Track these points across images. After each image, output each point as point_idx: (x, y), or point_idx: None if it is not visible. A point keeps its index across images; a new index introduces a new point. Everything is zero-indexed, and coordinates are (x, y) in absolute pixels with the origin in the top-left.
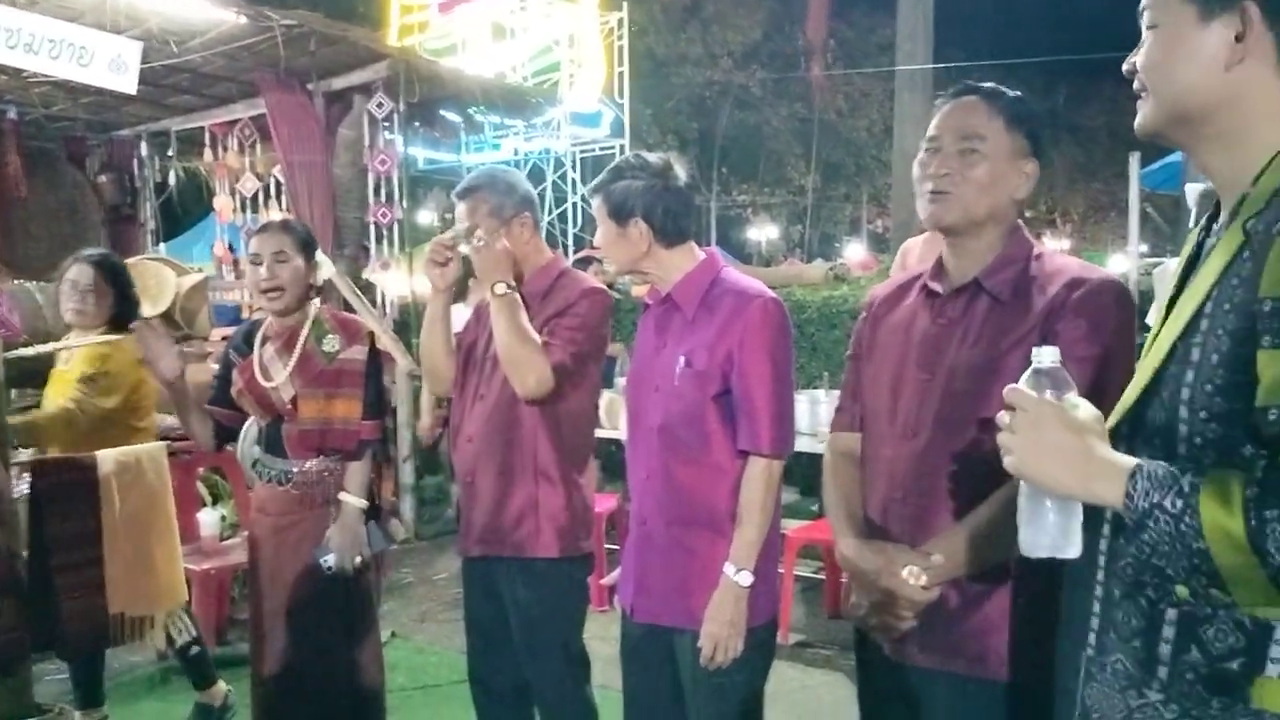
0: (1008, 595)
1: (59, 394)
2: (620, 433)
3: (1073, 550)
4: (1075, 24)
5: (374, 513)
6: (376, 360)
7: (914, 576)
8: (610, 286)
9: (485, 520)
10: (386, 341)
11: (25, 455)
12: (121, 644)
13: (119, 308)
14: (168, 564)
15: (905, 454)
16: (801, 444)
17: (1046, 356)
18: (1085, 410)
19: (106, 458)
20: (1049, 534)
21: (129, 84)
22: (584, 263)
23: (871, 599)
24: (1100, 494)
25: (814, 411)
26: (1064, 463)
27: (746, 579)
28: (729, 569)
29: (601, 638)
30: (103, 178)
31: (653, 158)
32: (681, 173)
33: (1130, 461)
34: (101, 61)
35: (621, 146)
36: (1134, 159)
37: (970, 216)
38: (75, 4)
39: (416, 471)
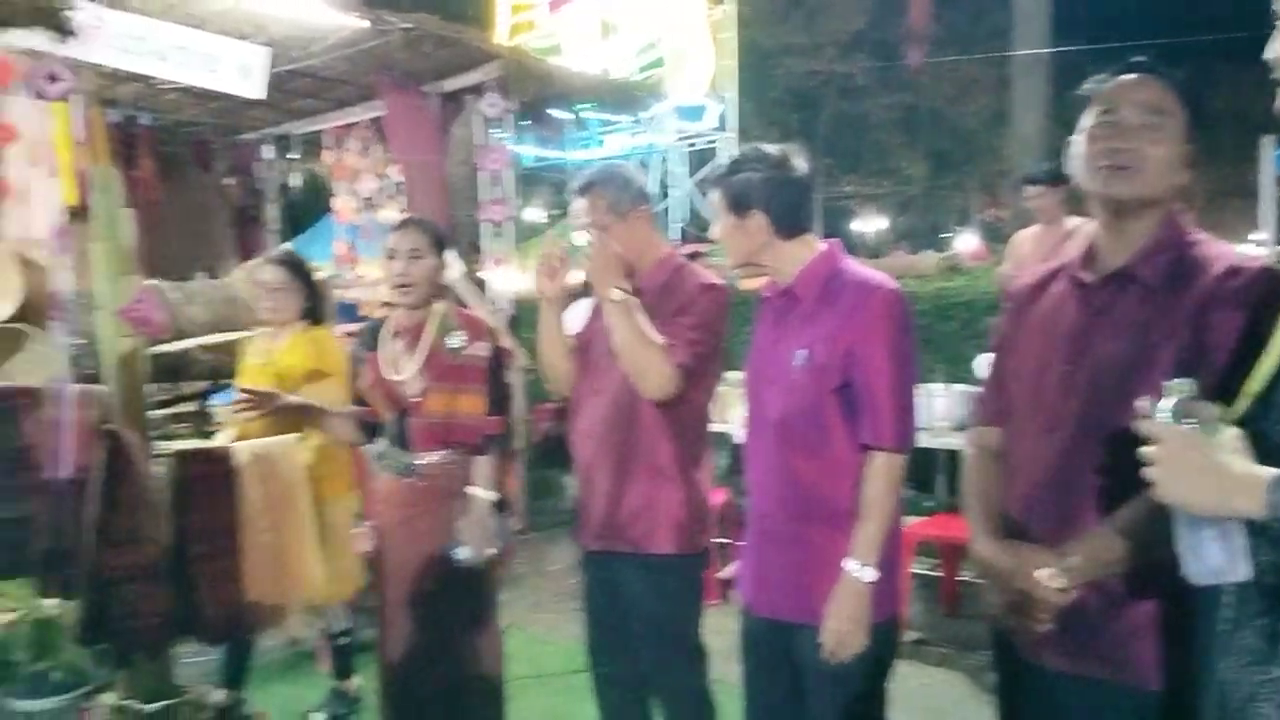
0: (1154, 600)
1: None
2: (730, 426)
3: (1241, 573)
4: (1196, 4)
5: (500, 506)
6: (499, 356)
7: (1050, 578)
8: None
9: (603, 515)
10: (502, 337)
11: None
12: (257, 631)
13: (310, 302)
14: (301, 554)
15: (1048, 449)
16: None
17: (1178, 389)
18: (1224, 433)
19: (241, 450)
20: (1213, 560)
21: (255, 89)
22: (693, 257)
23: (1006, 600)
24: (1242, 507)
25: (929, 406)
26: (1204, 484)
27: (869, 574)
28: (851, 564)
29: (715, 631)
30: (229, 181)
31: (772, 149)
32: (801, 164)
33: (1270, 473)
34: (229, 67)
35: (727, 139)
36: (1266, 143)
37: (1149, 193)
38: (202, 12)
39: (529, 464)
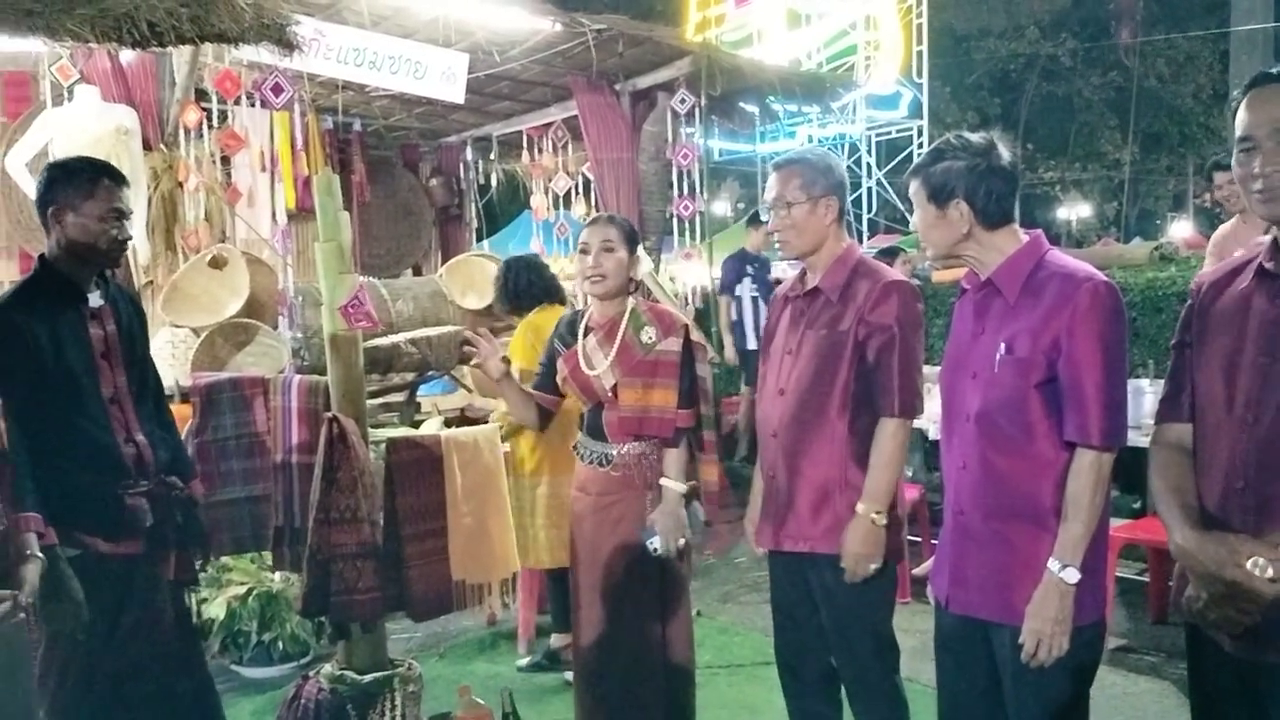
0: None
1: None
2: (923, 421)
3: None
4: None
5: (691, 497)
6: (691, 351)
7: (1260, 568)
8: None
9: (790, 514)
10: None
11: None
12: (462, 609)
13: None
14: (502, 536)
15: (1246, 442)
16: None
17: None
18: None
19: (447, 437)
20: None
21: (457, 93)
22: (888, 254)
23: (1212, 592)
24: None
25: (1138, 402)
26: None
27: (1073, 576)
28: (1054, 565)
29: (905, 629)
30: (433, 181)
31: (975, 137)
32: (1005, 152)
33: None
34: (434, 74)
35: (919, 127)
36: None
37: None
38: (411, 22)
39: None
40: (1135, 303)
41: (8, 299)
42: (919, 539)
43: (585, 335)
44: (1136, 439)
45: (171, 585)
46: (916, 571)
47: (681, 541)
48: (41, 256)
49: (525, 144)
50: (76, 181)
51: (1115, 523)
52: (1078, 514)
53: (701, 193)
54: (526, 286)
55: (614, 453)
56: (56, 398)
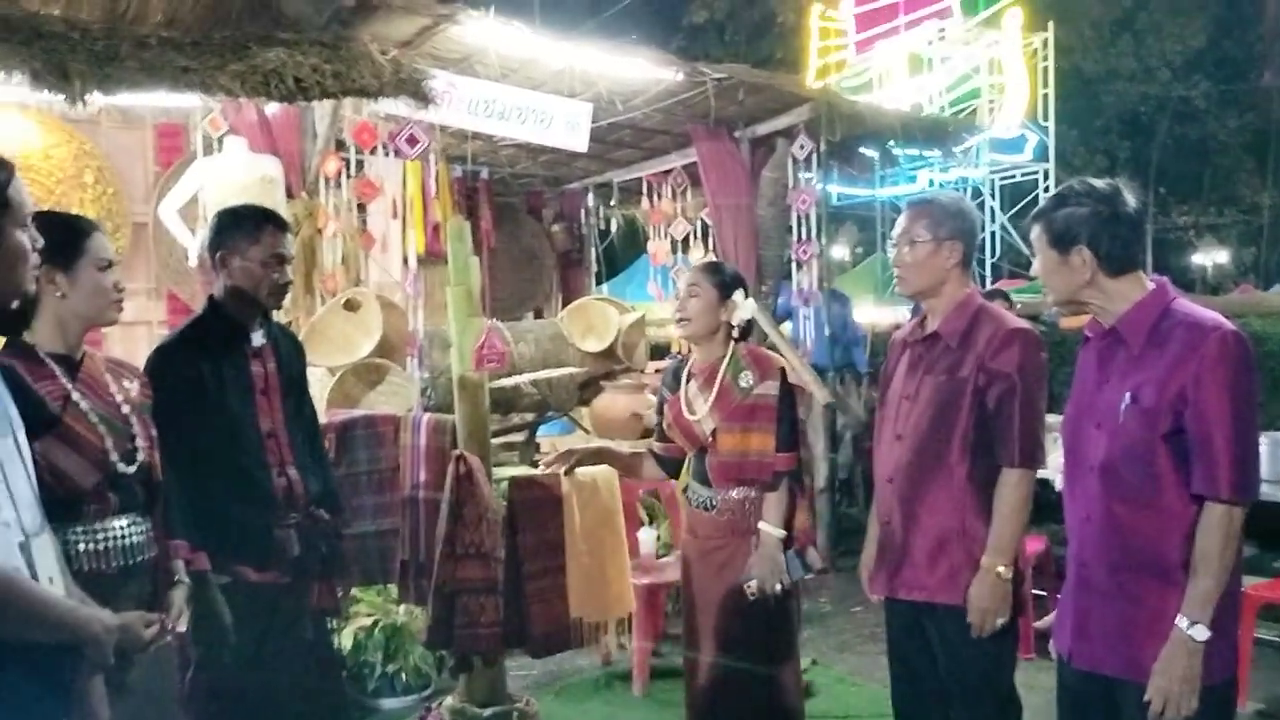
0: None
1: None
2: (1047, 471)
3: None
4: None
5: (790, 541)
6: (789, 394)
7: None
8: (1035, 318)
9: (905, 562)
10: (802, 376)
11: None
12: (579, 646)
13: None
14: (618, 576)
15: None
16: (1263, 491)
17: None
18: None
19: (567, 478)
20: None
21: (581, 142)
22: (993, 296)
23: None
24: None
25: (1275, 455)
26: None
27: (1202, 633)
28: (1182, 621)
29: (1029, 686)
30: (555, 227)
31: (1099, 183)
32: (1131, 199)
33: None
34: (559, 123)
35: (1045, 171)
36: None
37: None
38: (539, 74)
39: (834, 502)
40: (1275, 352)
41: (176, 336)
42: (1044, 592)
43: (688, 381)
44: (1277, 494)
45: (314, 614)
46: (1038, 625)
47: (779, 586)
48: (210, 297)
49: (645, 190)
50: (245, 227)
51: (1253, 580)
52: (1208, 569)
53: (820, 237)
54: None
55: (718, 498)
56: (216, 431)
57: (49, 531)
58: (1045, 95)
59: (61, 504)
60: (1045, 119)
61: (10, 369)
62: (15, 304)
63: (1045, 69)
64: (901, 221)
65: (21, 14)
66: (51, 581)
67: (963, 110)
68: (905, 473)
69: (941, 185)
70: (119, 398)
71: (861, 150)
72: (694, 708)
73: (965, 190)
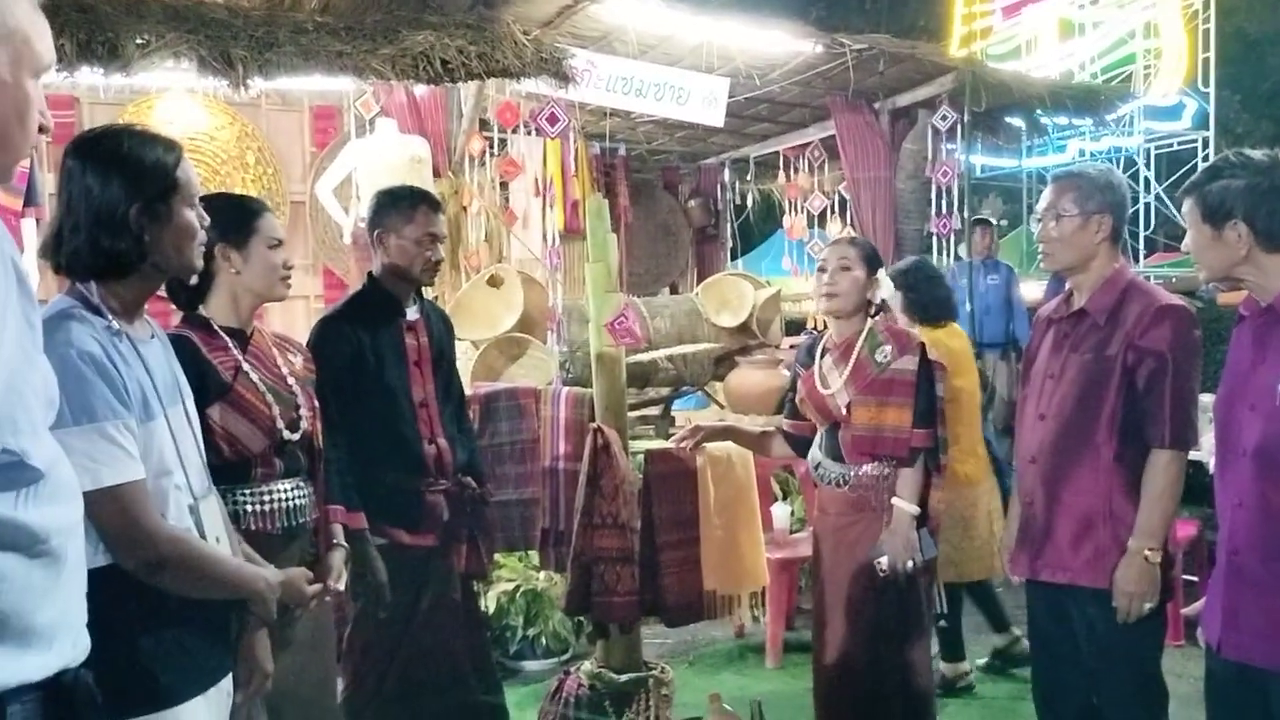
0: None
1: None
2: (1199, 454)
3: None
4: None
5: (924, 519)
6: (928, 370)
7: None
8: (1190, 294)
9: (1048, 544)
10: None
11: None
12: (713, 618)
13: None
14: (752, 549)
15: None
16: None
17: None
18: None
19: (702, 451)
20: None
21: (718, 117)
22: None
23: None
24: None
25: None
26: None
27: None
28: None
29: (1176, 674)
30: (691, 202)
31: (1256, 154)
32: None
33: None
34: (696, 99)
35: (1204, 139)
36: None
37: None
38: (676, 50)
39: None
40: None
41: (338, 310)
42: (1195, 578)
43: (822, 356)
44: None
45: (462, 577)
46: (1186, 611)
47: (910, 564)
48: (370, 274)
49: (781, 164)
50: (400, 208)
51: None
52: None
53: (962, 211)
54: (933, 299)
55: (851, 474)
56: (373, 400)
57: (215, 494)
58: (1205, 59)
59: (231, 467)
60: (1205, 84)
61: (187, 340)
62: (194, 279)
63: (1206, 31)
64: (1047, 195)
65: (189, 3)
66: (218, 541)
67: (1116, 77)
68: (1049, 453)
69: (1092, 155)
70: (285, 370)
71: (1007, 120)
72: (822, 685)
73: (1118, 160)
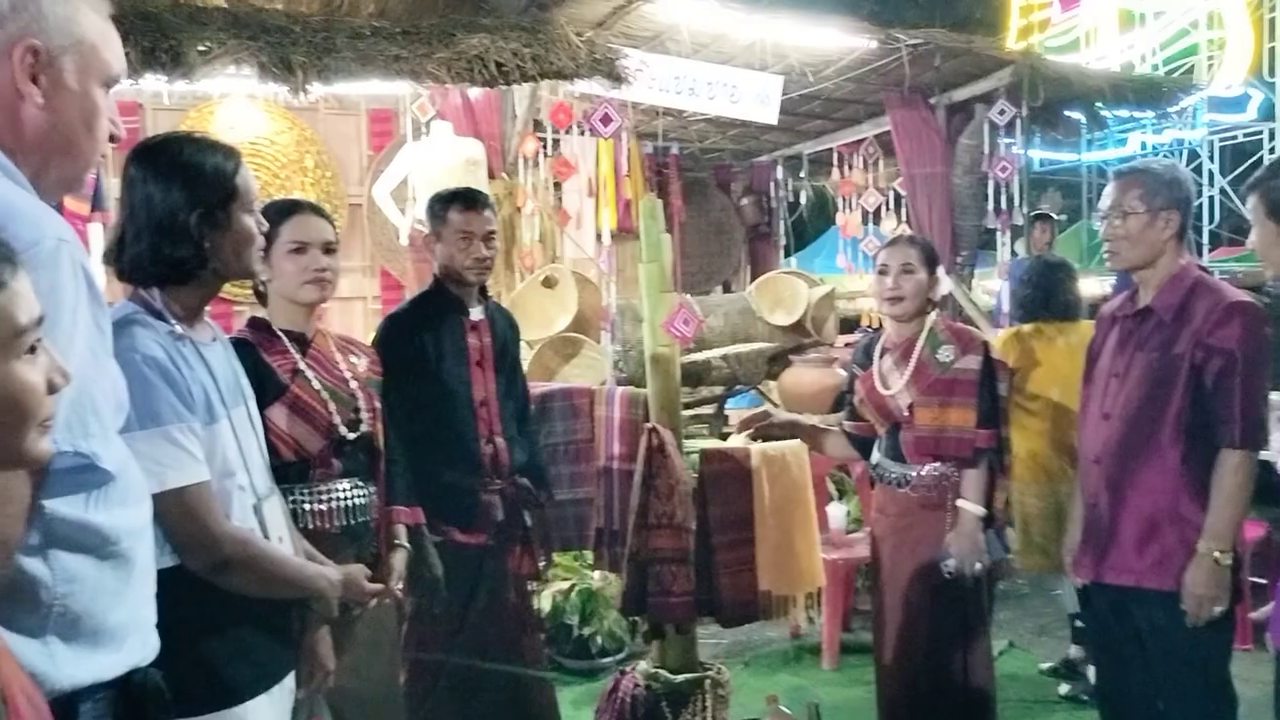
0: None
1: None
2: (1270, 454)
3: None
4: None
5: (990, 520)
6: (991, 370)
7: None
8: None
9: (1112, 546)
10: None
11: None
12: (768, 619)
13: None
14: (807, 550)
15: None
16: None
17: None
18: None
19: (757, 451)
20: None
21: (771, 115)
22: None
23: None
24: None
25: None
26: None
27: None
28: None
29: (1245, 679)
30: (744, 200)
31: None
32: None
33: None
34: (749, 97)
35: (1270, 131)
36: None
37: None
38: (729, 48)
39: None
40: None
41: (403, 309)
42: (1263, 581)
43: (881, 356)
44: None
45: (516, 577)
46: (1255, 615)
47: (978, 566)
48: (435, 275)
49: (835, 161)
50: (434, 210)
51: None
52: None
53: (1020, 206)
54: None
55: (913, 474)
56: (433, 397)
57: (278, 494)
58: (1271, 49)
59: (290, 467)
60: (1271, 75)
61: (247, 342)
62: (262, 285)
63: (1272, 20)
64: (1111, 192)
65: (248, 10)
66: (281, 540)
67: (1178, 68)
68: (1114, 453)
69: (1154, 148)
70: (346, 372)
71: (1066, 114)
72: (885, 686)
73: (1181, 153)
